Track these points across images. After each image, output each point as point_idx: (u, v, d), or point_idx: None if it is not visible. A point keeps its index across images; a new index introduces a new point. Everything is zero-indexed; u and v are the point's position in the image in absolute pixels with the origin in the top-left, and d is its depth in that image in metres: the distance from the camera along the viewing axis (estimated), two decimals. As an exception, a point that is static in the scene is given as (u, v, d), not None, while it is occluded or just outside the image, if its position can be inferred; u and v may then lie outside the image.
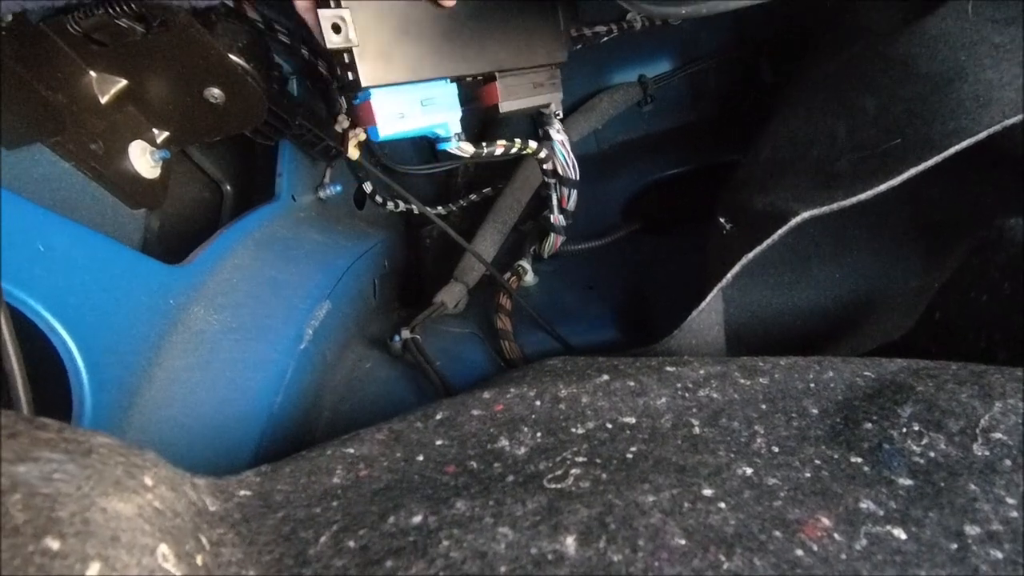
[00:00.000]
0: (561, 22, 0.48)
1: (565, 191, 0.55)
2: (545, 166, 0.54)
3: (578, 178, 0.54)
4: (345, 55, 0.38)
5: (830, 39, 0.50)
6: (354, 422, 0.44)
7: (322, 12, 0.36)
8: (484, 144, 0.47)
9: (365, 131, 0.40)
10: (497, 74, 0.45)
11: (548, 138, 0.51)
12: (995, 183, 0.44)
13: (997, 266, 0.35)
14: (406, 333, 0.48)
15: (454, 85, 0.43)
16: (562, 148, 0.52)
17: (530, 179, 0.63)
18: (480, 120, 0.72)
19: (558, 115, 0.51)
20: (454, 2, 0.39)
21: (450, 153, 0.45)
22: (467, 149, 0.46)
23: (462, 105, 0.44)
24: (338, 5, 0.37)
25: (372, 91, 0.39)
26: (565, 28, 0.48)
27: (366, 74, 0.38)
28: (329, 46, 0.36)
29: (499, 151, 0.48)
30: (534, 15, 0.46)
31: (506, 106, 0.47)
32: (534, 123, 0.68)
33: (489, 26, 0.44)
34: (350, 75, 0.38)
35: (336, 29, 0.36)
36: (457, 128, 0.44)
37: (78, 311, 0.30)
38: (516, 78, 0.46)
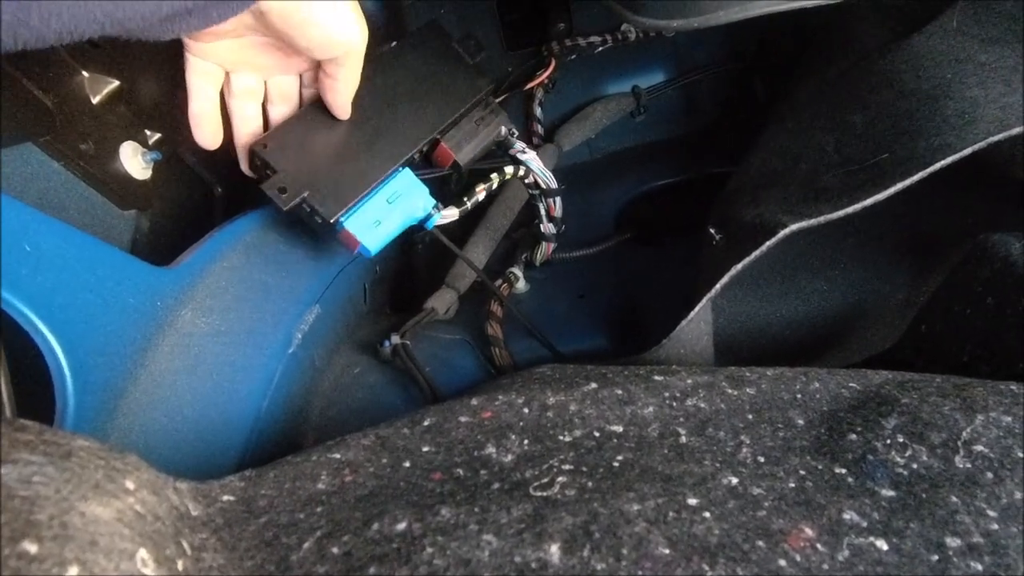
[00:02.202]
0: (466, 58, 0.49)
1: (550, 200, 0.56)
2: (526, 181, 0.55)
3: (557, 186, 0.55)
4: (304, 205, 0.40)
5: (820, 55, 0.50)
6: (342, 427, 0.44)
7: (264, 186, 0.39)
8: (466, 199, 0.48)
9: (358, 253, 0.42)
10: (438, 135, 0.46)
11: (517, 160, 0.52)
12: (981, 198, 0.44)
13: (981, 280, 0.36)
14: (396, 339, 0.48)
15: (407, 169, 0.44)
16: (534, 163, 0.53)
17: (522, 187, 0.64)
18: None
19: (514, 133, 0.51)
20: (349, 113, 0.41)
21: (440, 226, 0.46)
22: (452, 214, 0.47)
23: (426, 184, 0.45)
24: (273, 172, 0.39)
25: (342, 220, 0.41)
26: (473, 61, 0.49)
27: (328, 210, 0.40)
28: (286, 208, 0.39)
29: (482, 196, 0.49)
30: (437, 66, 0.47)
31: (464, 156, 0.48)
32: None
33: (403, 102, 0.45)
34: (318, 219, 0.40)
35: (283, 191, 0.39)
36: (431, 202, 0.45)
37: (63, 312, 0.30)
38: (457, 129, 0.48)
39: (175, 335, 0.36)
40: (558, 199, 0.56)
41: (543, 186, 0.55)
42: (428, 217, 0.45)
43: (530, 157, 0.52)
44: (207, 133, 0.39)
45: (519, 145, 0.52)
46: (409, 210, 0.44)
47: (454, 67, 0.48)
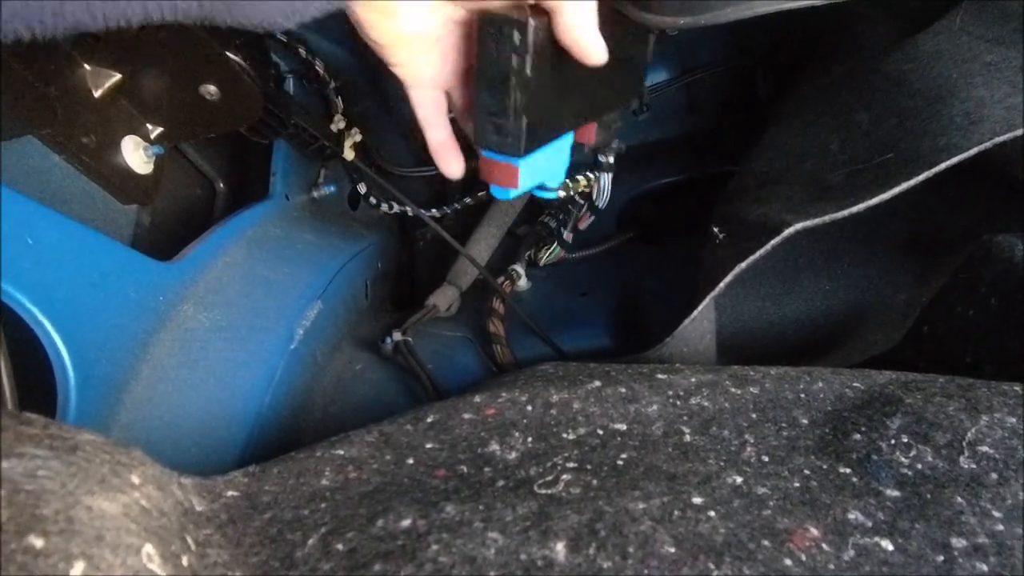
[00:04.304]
0: (648, 55, 0.44)
1: (585, 214, 0.57)
2: (582, 190, 0.54)
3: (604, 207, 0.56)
4: (523, 129, 0.32)
5: (825, 54, 0.50)
6: (344, 424, 0.44)
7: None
8: (568, 183, 0.49)
9: (488, 189, 0.36)
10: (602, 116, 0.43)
11: (603, 168, 0.52)
12: (985, 199, 0.44)
13: (984, 281, 0.36)
14: (398, 335, 0.47)
15: (571, 134, 0.39)
16: (607, 180, 0.54)
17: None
18: None
19: (618, 148, 0.52)
20: (606, 57, 0.33)
21: (441, 223, 0.47)
22: (560, 192, 0.48)
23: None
24: None
25: (527, 156, 0.34)
26: (650, 59, 0.44)
27: (525, 142, 0.33)
28: (513, 124, 0.32)
29: (582, 188, 0.51)
30: (624, 53, 0.40)
31: (596, 144, 0.44)
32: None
33: (599, 72, 0.38)
34: (509, 140, 0.32)
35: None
36: (562, 178, 0.41)
37: (65, 306, 0.29)
38: (605, 118, 0.45)
39: (177, 330, 0.36)
40: (592, 217, 0.57)
41: (594, 199, 0.55)
42: (552, 188, 0.41)
43: (607, 173, 0.53)
44: (453, 162, 0.36)
45: (612, 158, 0.52)
46: (547, 175, 0.38)
47: (634, 55, 0.43)
